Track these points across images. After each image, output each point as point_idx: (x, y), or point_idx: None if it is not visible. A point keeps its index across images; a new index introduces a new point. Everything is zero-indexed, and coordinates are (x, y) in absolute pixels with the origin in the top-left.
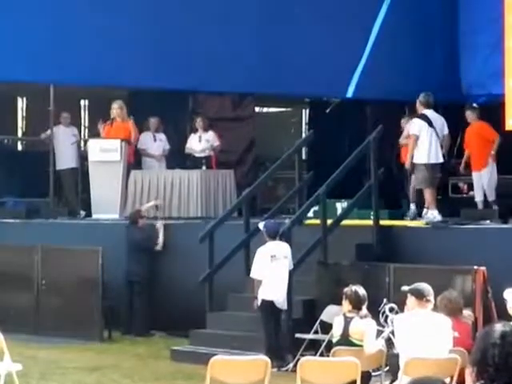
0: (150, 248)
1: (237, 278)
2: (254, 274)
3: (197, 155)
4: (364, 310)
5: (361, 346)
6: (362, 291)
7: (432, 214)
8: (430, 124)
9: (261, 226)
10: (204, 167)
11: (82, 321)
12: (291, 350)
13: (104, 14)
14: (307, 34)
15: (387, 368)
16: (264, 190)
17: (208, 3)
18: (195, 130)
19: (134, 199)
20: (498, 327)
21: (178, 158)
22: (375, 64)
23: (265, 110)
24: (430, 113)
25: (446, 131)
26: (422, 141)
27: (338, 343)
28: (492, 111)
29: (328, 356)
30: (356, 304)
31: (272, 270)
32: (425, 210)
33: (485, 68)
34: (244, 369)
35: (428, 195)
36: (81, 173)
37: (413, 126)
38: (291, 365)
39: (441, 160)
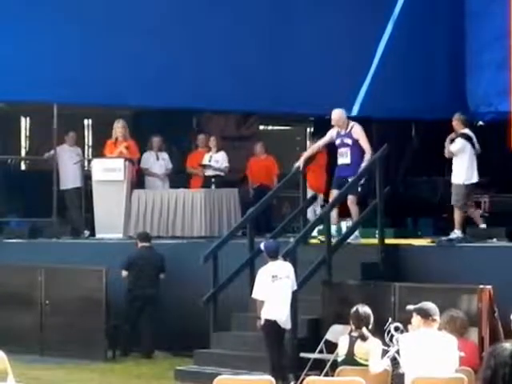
0: (164, 268)
1: (241, 298)
2: (255, 295)
3: (206, 174)
4: (363, 330)
5: (366, 365)
6: (363, 310)
7: (455, 233)
8: (472, 143)
9: (262, 246)
10: (213, 186)
11: (85, 341)
12: (296, 369)
13: (107, 34)
14: (312, 53)
15: None
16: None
17: (212, 24)
18: (208, 149)
19: (137, 219)
20: (508, 346)
21: (182, 178)
22: (381, 82)
23: (269, 128)
24: (468, 131)
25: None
26: (463, 160)
27: (343, 363)
28: (498, 129)
29: (333, 376)
30: (356, 323)
31: (274, 289)
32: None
33: (492, 86)
34: None
35: (457, 215)
36: (84, 192)
37: (454, 145)
38: None
39: (475, 180)
